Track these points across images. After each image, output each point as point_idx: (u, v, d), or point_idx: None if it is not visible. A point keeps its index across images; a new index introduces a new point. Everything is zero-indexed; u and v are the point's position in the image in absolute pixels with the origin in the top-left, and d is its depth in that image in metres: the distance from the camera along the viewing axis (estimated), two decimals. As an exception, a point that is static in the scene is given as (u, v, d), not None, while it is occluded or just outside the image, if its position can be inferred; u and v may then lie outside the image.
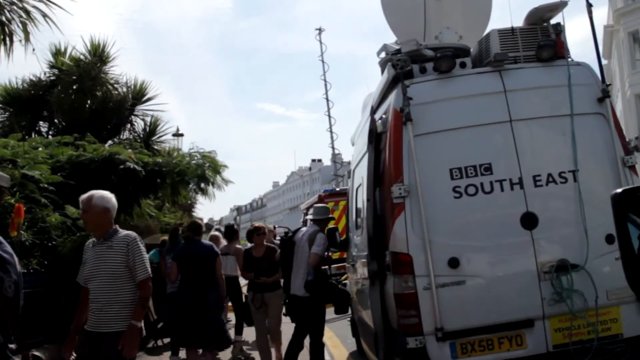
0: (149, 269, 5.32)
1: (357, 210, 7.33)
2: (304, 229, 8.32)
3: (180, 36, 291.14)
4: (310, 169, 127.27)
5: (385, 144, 5.85)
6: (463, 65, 5.97)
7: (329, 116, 26.81)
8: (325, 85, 28.07)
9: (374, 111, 6.38)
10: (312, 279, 7.58)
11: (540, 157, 5.66)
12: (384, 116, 6.08)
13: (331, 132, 26.47)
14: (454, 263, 5.42)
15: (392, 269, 5.60)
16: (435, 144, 5.67)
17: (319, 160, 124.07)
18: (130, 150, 9.24)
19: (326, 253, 8.08)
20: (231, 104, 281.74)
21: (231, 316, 12.33)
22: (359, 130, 7.97)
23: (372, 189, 5.99)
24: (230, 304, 11.46)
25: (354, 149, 8.51)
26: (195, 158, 10.12)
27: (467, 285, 5.43)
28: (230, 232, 11.28)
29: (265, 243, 9.09)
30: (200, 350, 8.49)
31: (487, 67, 5.93)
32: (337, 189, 23.01)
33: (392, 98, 5.88)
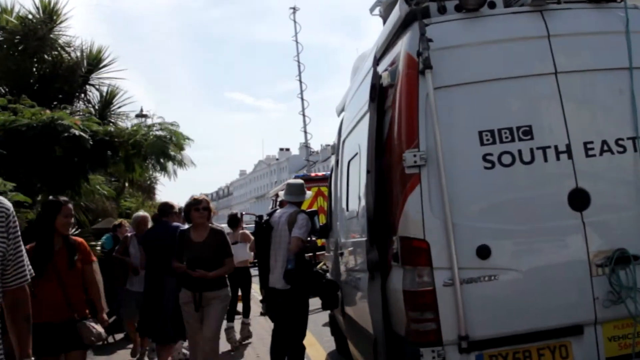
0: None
1: (349, 188, 6.07)
2: (281, 210, 7.04)
3: (150, 24, 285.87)
4: (277, 158, 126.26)
5: (394, 99, 4.58)
6: (492, 5, 4.72)
7: (302, 98, 25.46)
8: (299, 66, 26.67)
9: (376, 62, 5.11)
10: (292, 268, 6.32)
11: (592, 119, 4.46)
12: (389, 68, 4.83)
13: (304, 115, 25.11)
14: (483, 252, 4.19)
15: (401, 259, 4.36)
16: (461, 100, 4.42)
17: (287, 150, 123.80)
18: (77, 117, 7.77)
19: (310, 238, 6.82)
20: (200, 92, 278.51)
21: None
22: (350, 96, 6.71)
23: (374, 158, 4.74)
24: (239, 294, 10.74)
25: (342, 119, 7.25)
26: (155, 129, 8.66)
27: (499, 280, 4.21)
28: (234, 220, 11.32)
29: (210, 224, 6.80)
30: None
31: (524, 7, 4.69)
32: (309, 175, 21.72)
33: (403, 42, 4.61)
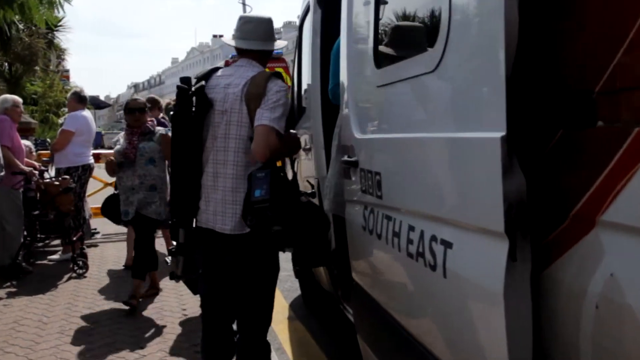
0: None
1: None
2: (230, 69, 3.35)
3: None
4: (210, 45, 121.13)
5: None
6: None
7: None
8: None
9: None
10: (264, 196, 2.88)
11: None
12: None
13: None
14: None
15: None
16: None
17: (221, 36, 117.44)
18: None
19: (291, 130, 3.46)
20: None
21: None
22: None
23: None
24: None
25: None
26: None
27: None
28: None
29: None
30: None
31: None
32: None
33: None
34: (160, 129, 5.93)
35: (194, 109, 3.20)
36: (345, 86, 3.18)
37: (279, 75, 3.15)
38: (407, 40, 2.47)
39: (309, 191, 3.24)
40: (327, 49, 4.53)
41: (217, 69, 3.36)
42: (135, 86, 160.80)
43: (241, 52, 3.28)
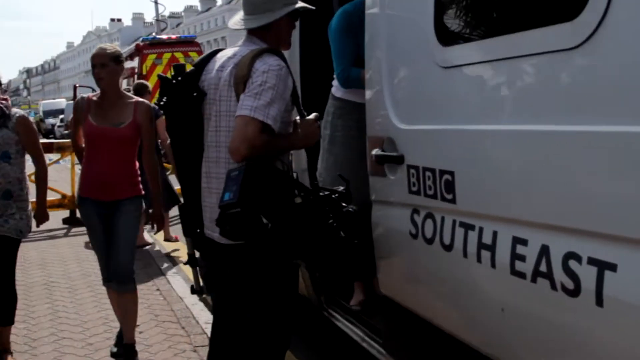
0: None
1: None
2: (231, 49, 2.80)
3: None
4: (108, 29, 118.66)
5: None
6: None
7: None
8: None
9: None
10: (232, 199, 2.33)
11: None
12: None
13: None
14: None
15: None
16: None
17: (119, 20, 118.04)
18: None
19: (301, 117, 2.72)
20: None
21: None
22: None
23: None
24: None
25: None
26: None
27: None
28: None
29: None
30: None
31: None
32: (161, 37, 17.03)
33: None
34: (17, 112, 4.16)
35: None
36: (376, 69, 2.69)
37: (274, 51, 2.58)
38: (505, 8, 2.02)
39: (341, 189, 2.71)
40: (308, 26, 4.07)
41: (218, 50, 2.84)
42: (28, 71, 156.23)
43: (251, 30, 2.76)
